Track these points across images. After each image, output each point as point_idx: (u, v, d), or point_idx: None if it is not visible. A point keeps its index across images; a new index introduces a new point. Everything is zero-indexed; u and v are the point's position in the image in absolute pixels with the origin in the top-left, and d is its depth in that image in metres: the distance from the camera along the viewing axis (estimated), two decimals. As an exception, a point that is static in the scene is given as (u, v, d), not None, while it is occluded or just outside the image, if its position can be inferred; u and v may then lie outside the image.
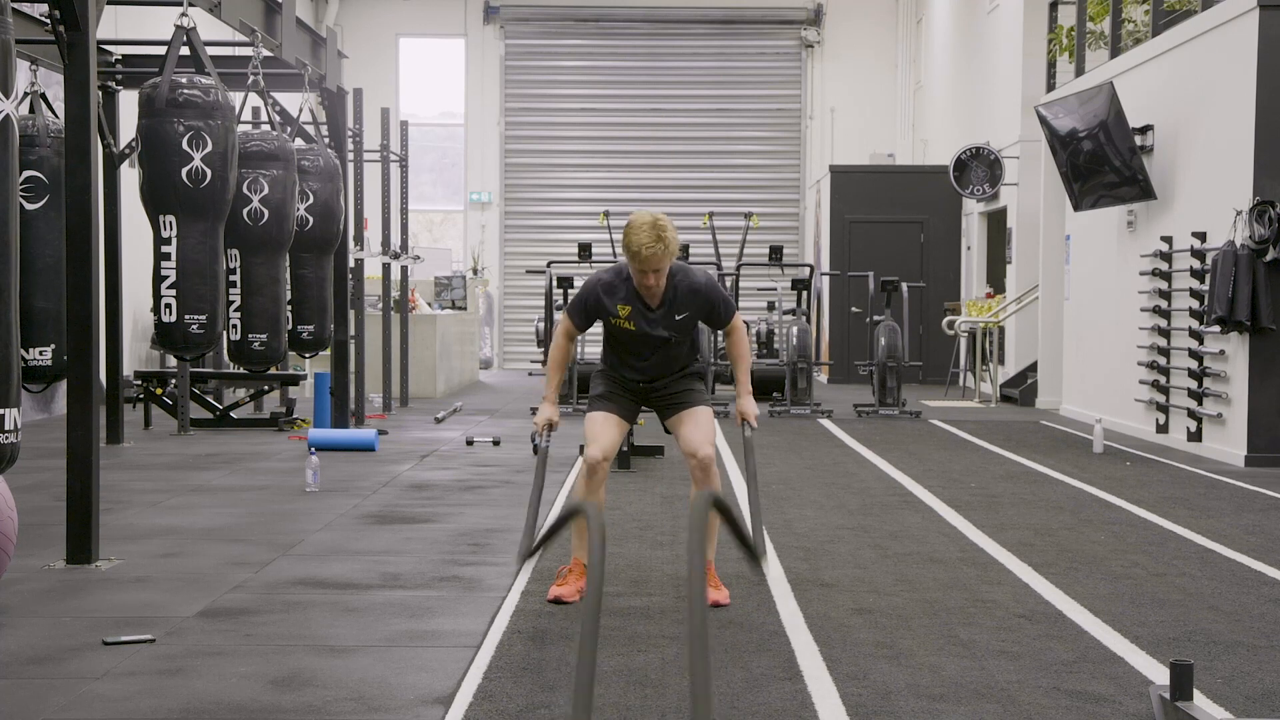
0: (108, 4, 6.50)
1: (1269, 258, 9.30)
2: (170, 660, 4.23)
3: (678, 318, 4.98)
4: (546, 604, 4.98)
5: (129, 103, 8.80)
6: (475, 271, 20.57)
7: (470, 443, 10.37)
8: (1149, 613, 4.96)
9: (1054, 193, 13.86)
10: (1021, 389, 14.88)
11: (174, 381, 11.29)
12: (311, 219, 9.44)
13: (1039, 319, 14.69)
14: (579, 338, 5.27)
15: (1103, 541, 6.43)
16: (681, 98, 22.13)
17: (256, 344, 8.49)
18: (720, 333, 5.23)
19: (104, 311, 9.66)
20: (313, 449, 8.22)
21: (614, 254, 12.99)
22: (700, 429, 5.02)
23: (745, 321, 5.24)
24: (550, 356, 5.17)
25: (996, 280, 16.92)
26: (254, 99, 9.48)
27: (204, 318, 7.20)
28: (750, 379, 5.18)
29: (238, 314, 8.39)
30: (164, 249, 7.10)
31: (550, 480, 8.36)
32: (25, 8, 8.48)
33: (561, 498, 7.64)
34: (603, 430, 4.99)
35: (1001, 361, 15.86)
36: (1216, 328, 9.72)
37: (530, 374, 17.63)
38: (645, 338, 5.01)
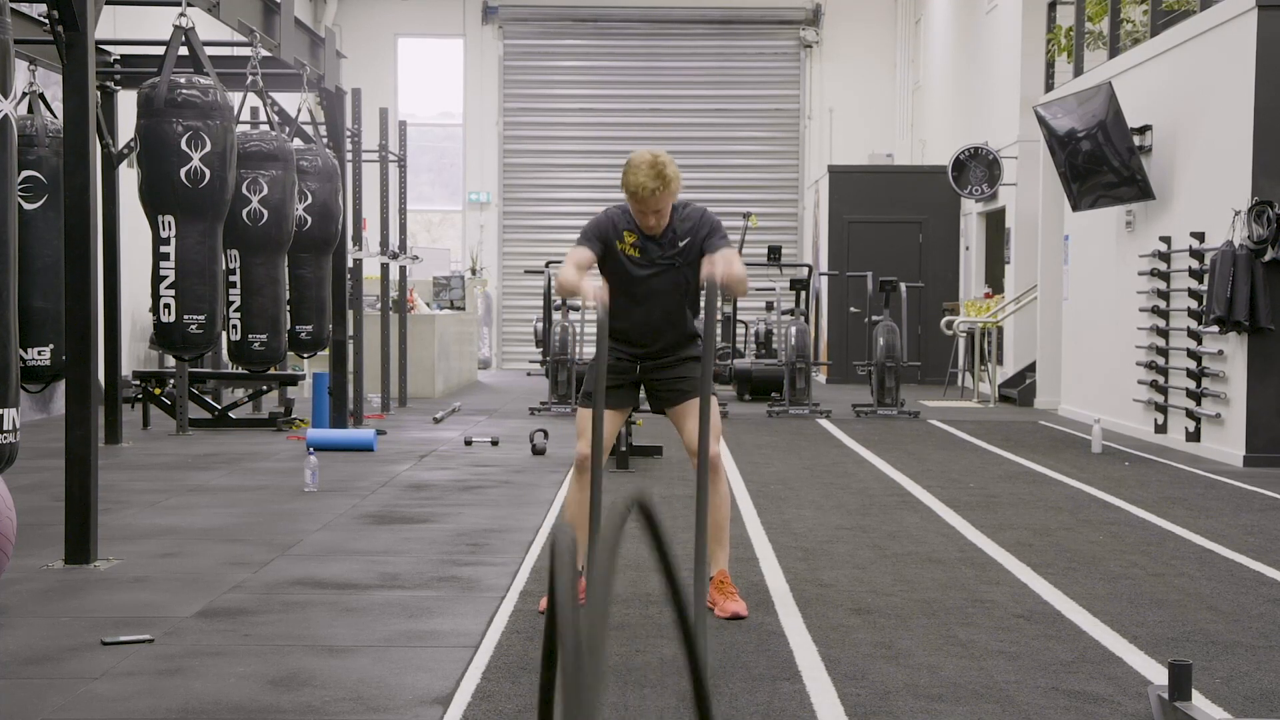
0: (106, 4, 6.50)
1: (1267, 258, 9.30)
2: (169, 660, 4.22)
3: (680, 244, 4.90)
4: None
5: (128, 103, 8.80)
6: (474, 272, 20.56)
7: (469, 443, 10.36)
8: (1147, 613, 4.96)
9: (1052, 193, 13.86)
10: (1020, 389, 14.88)
11: (172, 381, 11.29)
12: (310, 219, 9.44)
13: (1038, 319, 14.68)
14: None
15: (1101, 541, 6.43)
16: (680, 98, 22.13)
17: (256, 344, 8.49)
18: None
19: (103, 311, 9.66)
20: (311, 449, 8.22)
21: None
22: (705, 423, 4.77)
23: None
24: (562, 273, 4.78)
25: (995, 280, 16.92)
26: (253, 99, 9.47)
27: (203, 318, 7.19)
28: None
29: (237, 314, 8.39)
30: (163, 249, 7.10)
31: (549, 481, 8.37)
32: (24, 8, 8.48)
33: (558, 500, 7.62)
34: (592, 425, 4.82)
35: (1000, 361, 15.86)
36: (1215, 328, 9.72)
37: (529, 374, 17.59)
38: (649, 265, 4.90)
